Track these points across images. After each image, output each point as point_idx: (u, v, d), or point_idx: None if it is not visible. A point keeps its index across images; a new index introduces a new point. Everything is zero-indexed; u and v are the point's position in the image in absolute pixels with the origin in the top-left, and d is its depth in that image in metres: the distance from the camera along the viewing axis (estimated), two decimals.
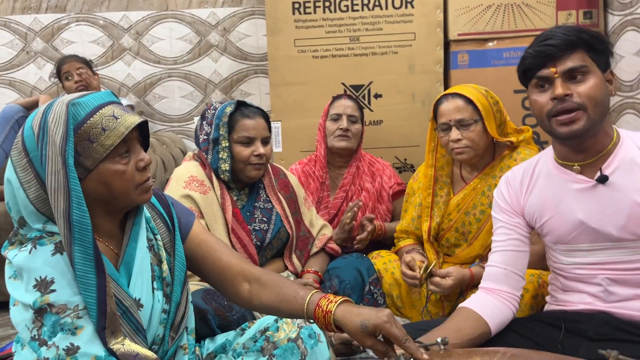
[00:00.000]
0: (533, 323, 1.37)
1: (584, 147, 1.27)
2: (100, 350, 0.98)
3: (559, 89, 1.22)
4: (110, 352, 0.99)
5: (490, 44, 2.55)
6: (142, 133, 1.13)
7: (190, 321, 1.22)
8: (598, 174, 1.27)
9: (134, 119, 1.06)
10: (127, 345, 1.01)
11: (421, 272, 1.74)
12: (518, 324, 1.36)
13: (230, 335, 1.35)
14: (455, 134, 1.83)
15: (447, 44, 2.60)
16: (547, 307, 1.45)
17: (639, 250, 1.26)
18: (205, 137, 1.83)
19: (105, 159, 1.03)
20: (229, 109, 1.80)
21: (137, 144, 1.10)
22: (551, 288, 1.46)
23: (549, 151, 1.39)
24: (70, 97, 1.04)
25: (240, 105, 1.83)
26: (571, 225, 1.32)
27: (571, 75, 1.23)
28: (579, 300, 1.35)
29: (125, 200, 1.08)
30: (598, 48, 1.25)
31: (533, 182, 1.40)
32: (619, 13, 2.42)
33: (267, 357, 1.23)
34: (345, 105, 2.31)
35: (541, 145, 2.51)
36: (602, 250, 1.30)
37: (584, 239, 1.31)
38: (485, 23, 2.53)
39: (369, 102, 2.63)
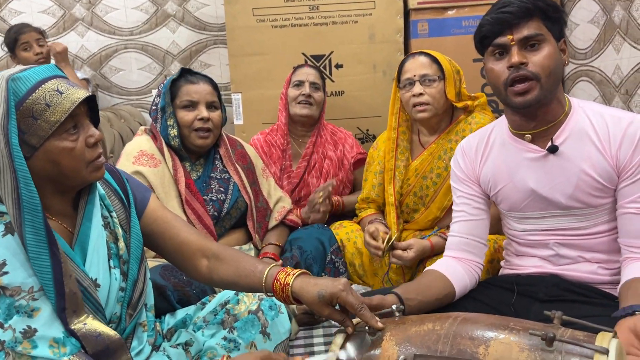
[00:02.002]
0: (488, 287, 1.41)
1: (536, 116, 1.30)
2: (58, 332, 0.97)
3: (515, 57, 1.23)
4: (71, 332, 0.98)
5: (449, 12, 2.55)
6: (91, 107, 1.09)
7: (149, 298, 1.22)
8: (549, 143, 1.30)
9: (80, 93, 1.02)
10: (89, 324, 1.00)
11: (384, 244, 1.78)
12: (474, 289, 1.41)
13: (190, 309, 1.35)
14: (418, 88, 1.87)
15: (407, 13, 2.59)
16: (501, 272, 1.50)
17: (586, 217, 1.31)
18: (154, 107, 1.83)
19: (52, 136, 1.00)
20: (174, 77, 1.80)
21: (85, 119, 1.06)
22: (505, 253, 1.51)
23: (502, 120, 1.42)
24: (9, 71, 1.00)
25: (186, 73, 1.83)
26: (523, 194, 1.35)
27: (527, 44, 1.25)
28: (531, 264, 1.39)
29: (76, 179, 1.06)
30: (553, 16, 1.26)
31: (487, 151, 1.43)
32: None
33: (227, 329, 1.24)
34: (308, 73, 2.30)
35: (499, 113, 2.55)
36: (552, 218, 1.34)
37: (535, 206, 1.35)
38: None
39: (330, 73, 2.62)
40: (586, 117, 1.30)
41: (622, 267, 1.24)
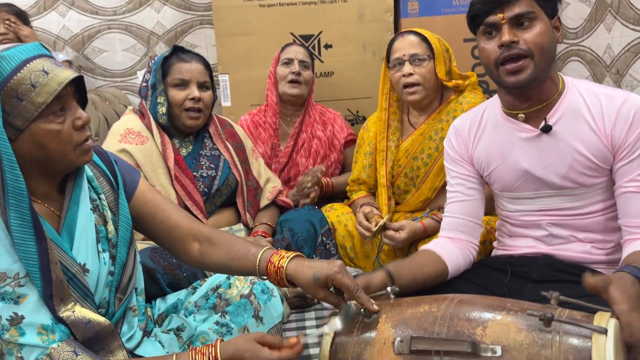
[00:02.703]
0: (481, 268, 1.41)
1: (530, 96, 1.28)
2: (46, 319, 0.95)
3: (506, 35, 1.21)
4: (59, 319, 0.96)
5: None
6: (78, 89, 1.05)
7: (139, 282, 1.19)
8: (542, 123, 1.29)
9: (67, 74, 0.98)
10: (77, 312, 0.98)
11: (376, 227, 1.76)
12: (467, 270, 1.40)
13: (181, 294, 1.33)
14: (407, 68, 1.85)
15: None
16: (494, 252, 1.50)
17: (579, 196, 1.30)
18: (145, 84, 1.79)
19: (38, 118, 0.96)
20: (166, 54, 1.77)
21: (73, 101, 1.02)
22: (498, 234, 1.50)
23: (495, 100, 1.40)
24: None
25: (179, 51, 1.79)
26: (516, 174, 1.34)
27: (518, 22, 1.23)
28: (524, 244, 1.39)
29: (63, 162, 1.02)
30: None
31: (480, 131, 1.41)
32: None
33: (219, 314, 1.23)
34: (297, 51, 2.26)
35: (490, 94, 2.53)
36: (545, 198, 1.33)
37: (528, 187, 1.34)
38: None
39: (319, 53, 2.57)
40: (580, 96, 1.28)
41: (623, 248, 1.22)
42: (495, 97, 1.40)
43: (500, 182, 1.38)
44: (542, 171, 1.30)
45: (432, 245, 1.38)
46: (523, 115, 1.31)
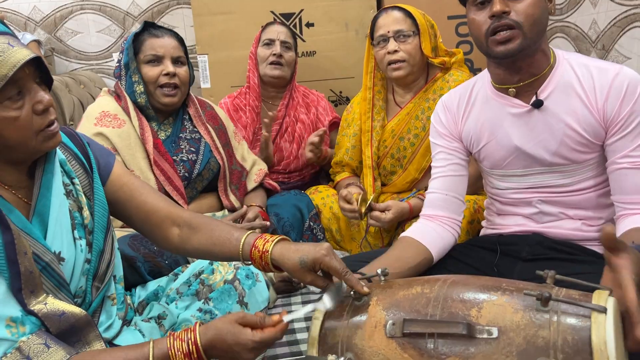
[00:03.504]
0: (470, 248, 1.38)
1: (520, 69, 1.24)
2: (15, 311, 0.89)
3: (497, 5, 1.17)
4: (30, 312, 0.90)
5: None
6: (41, 69, 0.97)
7: (118, 269, 1.14)
8: (533, 98, 1.25)
9: (22, 54, 0.89)
10: (50, 303, 0.92)
11: (358, 204, 1.72)
12: (456, 250, 1.37)
13: (162, 281, 1.28)
14: (392, 45, 1.80)
15: None
16: (483, 232, 1.47)
17: (570, 173, 1.27)
18: (118, 64, 1.72)
19: None
20: (137, 31, 1.70)
21: (32, 83, 0.94)
22: (487, 212, 1.47)
23: (485, 75, 1.36)
24: None
25: (149, 27, 1.72)
26: (506, 151, 1.31)
27: None
28: (513, 222, 1.36)
29: (25, 150, 0.95)
30: None
31: (470, 106, 1.37)
32: None
33: (202, 300, 1.18)
34: (279, 31, 2.19)
35: (475, 72, 2.50)
36: (536, 175, 1.30)
37: (518, 164, 1.31)
38: None
39: (301, 32, 2.51)
40: (571, 69, 1.25)
41: (617, 224, 1.19)
42: (485, 71, 1.36)
43: (490, 159, 1.35)
44: (533, 147, 1.27)
45: (411, 232, 1.34)
46: (514, 90, 1.27)
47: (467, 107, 1.38)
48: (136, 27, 3.04)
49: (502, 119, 1.31)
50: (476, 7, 1.23)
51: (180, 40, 1.74)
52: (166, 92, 1.68)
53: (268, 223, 1.72)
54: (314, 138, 2.04)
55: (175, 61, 1.69)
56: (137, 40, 1.68)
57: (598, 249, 1.26)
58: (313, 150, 2.07)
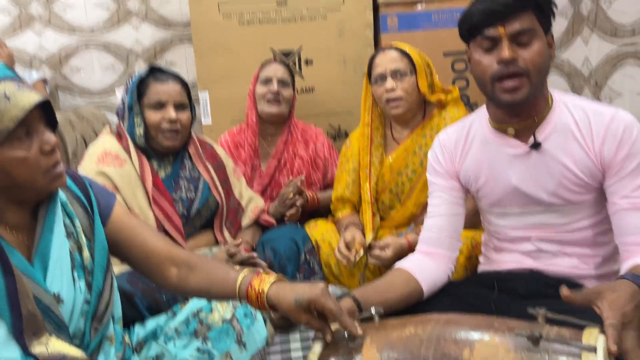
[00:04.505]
0: (467, 285, 1.39)
1: (521, 112, 1.26)
2: (15, 354, 0.90)
3: (507, 52, 1.17)
4: (30, 355, 0.91)
5: (419, 6, 2.52)
6: (46, 110, 1.01)
7: (117, 309, 1.15)
8: (532, 139, 1.27)
9: (31, 99, 0.93)
10: (52, 346, 0.93)
11: (357, 257, 1.74)
12: (453, 287, 1.37)
13: (161, 319, 1.29)
14: (390, 83, 1.84)
15: (376, 7, 2.55)
16: (480, 268, 1.48)
17: (567, 213, 1.29)
18: (122, 104, 1.76)
19: (1, 145, 0.92)
20: (142, 75, 1.73)
21: (39, 124, 0.98)
22: (484, 249, 1.48)
23: (482, 113, 1.38)
24: None
25: (155, 71, 1.76)
26: (504, 190, 1.32)
27: (518, 38, 1.18)
28: (510, 259, 1.37)
29: (32, 189, 0.98)
30: (545, 9, 1.21)
31: (468, 145, 1.39)
32: None
33: (200, 340, 1.19)
34: (276, 69, 2.24)
35: (471, 107, 2.54)
36: (534, 214, 1.31)
37: (516, 203, 1.32)
38: None
39: (300, 69, 2.57)
40: (568, 111, 1.27)
41: (622, 266, 1.19)
42: (482, 110, 1.38)
43: (489, 198, 1.36)
44: (531, 188, 1.29)
45: (403, 263, 1.35)
46: (513, 130, 1.29)
47: (464, 146, 1.39)
48: (139, 64, 3.11)
49: (500, 159, 1.32)
50: (482, 49, 1.22)
51: (184, 85, 1.77)
52: (168, 136, 1.71)
53: (255, 254, 1.73)
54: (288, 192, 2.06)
55: (178, 106, 1.72)
56: (142, 84, 1.72)
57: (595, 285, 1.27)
58: (291, 204, 2.06)
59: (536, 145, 1.26)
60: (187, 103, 1.77)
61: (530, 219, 1.32)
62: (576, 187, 1.25)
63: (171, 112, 1.70)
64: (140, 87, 1.72)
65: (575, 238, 1.29)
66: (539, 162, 1.27)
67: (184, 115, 1.74)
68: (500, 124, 1.31)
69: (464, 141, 1.39)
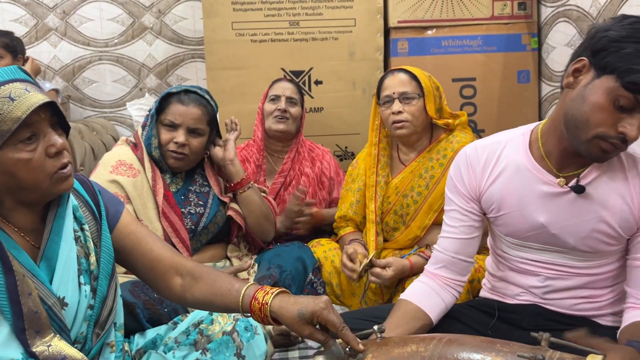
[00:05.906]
0: (469, 309, 1.37)
1: (588, 164, 1.18)
2: (16, 353, 0.90)
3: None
4: (32, 354, 0.91)
5: (429, 32, 2.56)
6: (57, 114, 1.01)
7: (119, 316, 1.15)
8: (574, 180, 1.19)
9: (35, 100, 0.94)
10: (54, 346, 0.93)
11: (361, 267, 1.74)
12: (455, 310, 1.35)
13: (161, 329, 1.29)
14: (397, 106, 1.85)
15: (387, 31, 2.59)
16: (482, 293, 1.45)
17: (588, 259, 1.24)
18: (148, 111, 1.78)
19: (5, 146, 0.92)
20: (173, 90, 1.75)
21: (46, 127, 0.98)
22: (488, 274, 1.43)
23: (521, 138, 1.27)
24: None
25: (186, 91, 1.75)
26: (529, 226, 1.25)
27: None
28: (515, 292, 1.33)
29: (37, 192, 0.98)
30: None
31: (497, 170, 1.28)
32: (552, 5, 2.49)
33: (200, 351, 1.18)
34: (285, 87, 2.27)
35: (478, 133, 2.56)
36: (552, 252, 1.26)
37: (538, 240, 1.26)
38: (425, 11, 2.54)
39: (310, 89, 2.59)
40: (618, 159, 1.18)
41: (625, 313, 1.18)
42: (518, 134, 1.28)
43: (509, 228, 1.28)
44: (559, 230, 1.21)
45: (410, 295, 1.29)
46: (564, 179, 1.19)
47: (494, 169, 1.28)
48: (151, 78, 3.15)
49: (532, 193, 1.23)
50: (617, 101, 1.06)
51: (206, 112, 1.74)
52: (174, 156, 1.72)
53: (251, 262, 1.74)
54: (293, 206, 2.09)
55: (192, 131, 1.72)
56: (165, 100, 1.73)
57: (599, 320, 1.26)
58: (299, 214, 2.09)
59: (579, 189, 1.17)
60: (204, 129, 1.75)
61: (547, 257, 1.26)
62: (608, 239, 1.19)
63: (180, 136, 1.70)
64: (163, 103, 1.74)
65: (586, 282, 1.25)
66: (576, 206, 1.19)
67: (195, 141, 1.73)
68: (545, 161, 1.21)
69: (494, 163, 1.28)
